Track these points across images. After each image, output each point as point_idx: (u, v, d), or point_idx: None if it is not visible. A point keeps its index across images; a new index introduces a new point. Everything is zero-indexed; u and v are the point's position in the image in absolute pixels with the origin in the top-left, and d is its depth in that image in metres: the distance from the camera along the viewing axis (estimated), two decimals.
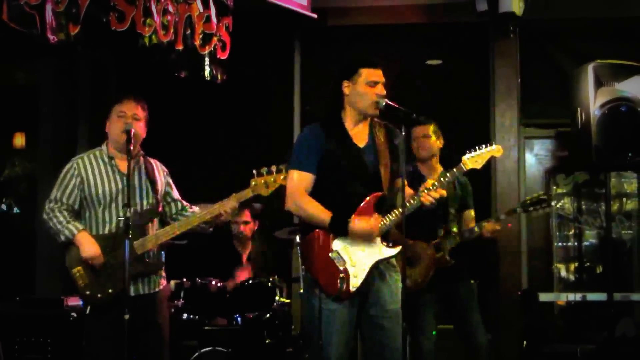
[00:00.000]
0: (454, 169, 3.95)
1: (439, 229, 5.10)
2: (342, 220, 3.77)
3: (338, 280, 3.74)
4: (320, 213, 3.80)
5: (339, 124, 3.93)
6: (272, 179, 4.22)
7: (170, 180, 4.52)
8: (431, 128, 5.16)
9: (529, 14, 6.44)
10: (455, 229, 5.12)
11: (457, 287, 5.18)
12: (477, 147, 3.95)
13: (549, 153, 7.11)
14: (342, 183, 3.84)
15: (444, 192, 3.85)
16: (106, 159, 4.30)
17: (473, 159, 3.93)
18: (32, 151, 7.50)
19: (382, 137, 3.95)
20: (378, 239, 3.83)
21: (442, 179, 3.89)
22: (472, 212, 5.24)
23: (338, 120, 3.93)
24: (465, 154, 4.02)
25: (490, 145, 3.97)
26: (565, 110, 5.94)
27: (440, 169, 5.12)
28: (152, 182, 4.34)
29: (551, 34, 6.97)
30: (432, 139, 5.16)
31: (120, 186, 4.24)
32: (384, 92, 3.85)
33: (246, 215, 6.08)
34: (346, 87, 3.90)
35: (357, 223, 3.76)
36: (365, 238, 3.80)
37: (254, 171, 4.24)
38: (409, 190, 3.86)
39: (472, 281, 5.31)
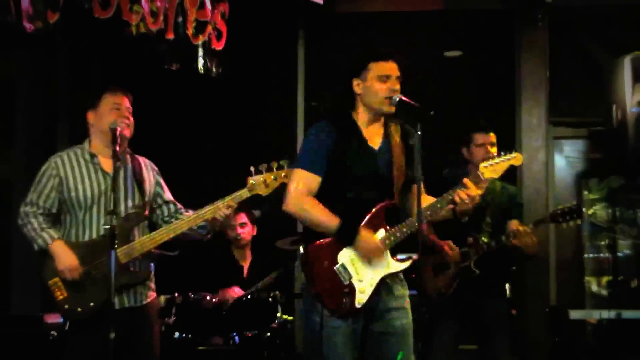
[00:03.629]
0: (470, 177, 3.83)
1: (469, 237, 4.96)
2: (352, 228, 3.68)
3: (342, 296, 3.67)
4: (327, 218, 3.70)
5: (351, 122, 3.84)
6: (272, 177, 4.06)
7: (162, 180, 4.39)
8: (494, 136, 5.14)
9: (560, 1, 6.36)
10: (485, 239, 4.94)
11: (485, 304, 5.05)
12: (494, 155, 3.90)
13: (580, 155, 7.09)
14: (351, 187, 3.76)
15: (476, 192, 3.74)
16: (87, 157, 4.17)
17: (491, 168, 3.83)
18: (7, 152, 7.33)
19: (397, 138, 3.87)
20: (387, 252, 3.74)
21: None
22: (516, 222, 5.02)
23: (350, 118, 3.84)
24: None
25: (510, 152, 3.88)
26: (599, 107, 6.01)
27: None
28: (140, 182, 4.22)
29: (584, 22, 6.84)
30: (495, 148, 5.05)
31: (103, 187, 4.11)
32: (398, 87, 3.75)
33: (242, 217, 5.95)
34: (357, 86, 3.82)
35: (366, 240, 3.66)
36: (370, 255, 3.70)
37: (252, 169, 4.09)
38: (428, 198, 3.79)
39: (504, 300, 5.25)
